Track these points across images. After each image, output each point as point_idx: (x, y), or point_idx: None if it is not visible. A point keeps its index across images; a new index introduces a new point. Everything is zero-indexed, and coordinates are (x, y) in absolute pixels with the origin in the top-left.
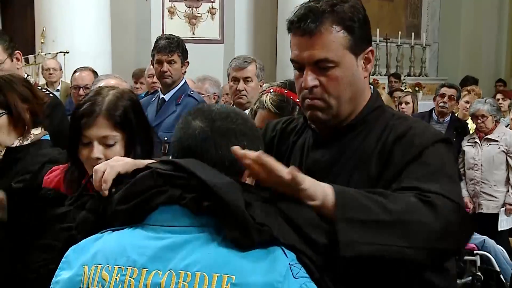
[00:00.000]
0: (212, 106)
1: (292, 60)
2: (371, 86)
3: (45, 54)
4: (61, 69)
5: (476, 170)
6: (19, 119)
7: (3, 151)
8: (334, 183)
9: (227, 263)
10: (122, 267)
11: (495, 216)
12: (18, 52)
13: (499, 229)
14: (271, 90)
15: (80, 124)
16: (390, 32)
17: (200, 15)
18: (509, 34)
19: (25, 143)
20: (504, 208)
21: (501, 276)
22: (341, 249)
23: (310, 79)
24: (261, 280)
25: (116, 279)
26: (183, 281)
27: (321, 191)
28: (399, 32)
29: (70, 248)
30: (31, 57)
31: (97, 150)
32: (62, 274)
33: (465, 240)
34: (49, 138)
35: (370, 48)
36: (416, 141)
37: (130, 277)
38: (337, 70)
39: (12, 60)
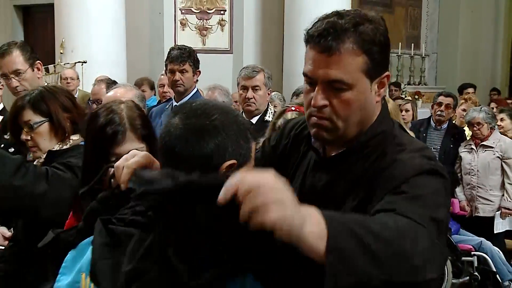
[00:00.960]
0: (193, 102)
1: (304, 74)
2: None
3: (64, 64)
4: (78, 78)
5: (473, 175)
6: (59, 126)
7: (44, 155)
8: (326, 209)
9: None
10: None
11: (491, 219)
12: (38, 62)
13: (495, 232)
14: (293, 108)
15: (107, 145)
16: (391, 43)
17: (211, 26)
18: (504, 45)
19: (64, 147)
20: (499, 211)
21: (497, 276)
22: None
23: (321, 98)
24: None
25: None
26: None
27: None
28: (400, 43)
29: (69, 252)
30: (51, 66)
31: None
32: (62, 280)
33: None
34: None
35: (387, 73)
36: (396, 173)
37: None
38: (350, 93)
39: (33, 70)
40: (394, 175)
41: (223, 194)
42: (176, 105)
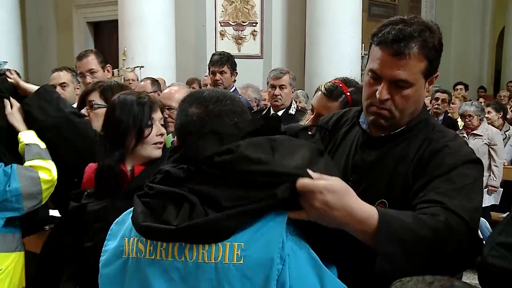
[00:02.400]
0: (202, 91)
1: (371, 70)
2: None
3: (126, 68)
4: (137, 80)
5: None
6: None
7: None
8: (374, 182)
9: (239, 234)
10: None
11: None
12: (108, 66)
13: (483, 206)
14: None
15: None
16: None
17: (245, 36)
18: (490, 50)
19: None
20: (486, 188)
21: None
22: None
23: (385, 93)
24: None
25: (150, 249)
26: (202, 249)
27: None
28: None
29: (114, 222)
30: (115, 70)
31: None
32: (109, 244)
33: (470, 254)
34: None
35: (437, 73)
36: (447, 160)
37: (160, 247)
38: (410, 90)
39: (104, 71)
40: (445, 161)
41: (302, 184)
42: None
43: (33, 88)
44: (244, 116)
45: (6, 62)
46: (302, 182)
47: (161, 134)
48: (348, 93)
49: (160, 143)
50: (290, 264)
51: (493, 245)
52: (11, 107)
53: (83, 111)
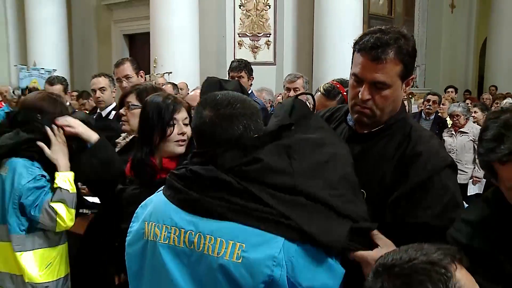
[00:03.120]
0: (216, 95)
1: (354, 74)
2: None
3: (156, 74)
4: (166, 84)
5: (453, 153)
6: None
7: (131, 137)
8: (356, 173)
9: (241, 235)
10: (168, 226)
11: (465, 185)
12: (141, 72)
13: (468, 194)
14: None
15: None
16: None
17: (260, 46)
18: (474, 59)
19: None
20: (471, 179)
21: None
22: None
23: (366, 93)
24: (264, 247)
25: (164, 234)
26: (208, 243)
27: None
28: None
29: (139, 206)
30: (147, 76)
31: None
32: (133, 226)
33: None
34: None
35: (413, 76)
36: (428, 166)
37: (173, 234)
38: (388, 91)
39: (137, 77)
40: (426, 167)
41: (360, 256)
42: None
43: (93, 138)
44: (253, 118)
45: (55, 70)
46: (360, 254)
47: (183, 133)
48: (345, 93)
49: (182, 141)
50: (287, 269)
51: (458, 220)
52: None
53: (122, 111)
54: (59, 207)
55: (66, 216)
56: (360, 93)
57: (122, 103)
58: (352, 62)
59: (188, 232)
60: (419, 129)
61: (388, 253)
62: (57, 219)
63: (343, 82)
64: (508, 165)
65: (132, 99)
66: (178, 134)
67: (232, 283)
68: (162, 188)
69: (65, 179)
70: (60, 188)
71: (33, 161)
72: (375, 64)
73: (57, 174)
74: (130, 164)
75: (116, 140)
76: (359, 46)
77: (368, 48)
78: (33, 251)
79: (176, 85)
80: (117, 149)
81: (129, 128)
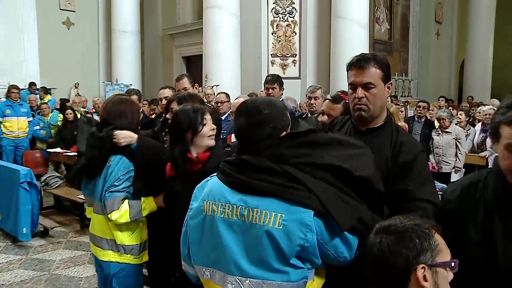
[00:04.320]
0: (248, 103)
1: (349, 83)
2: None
3: (207, 86)
4: (214, 94)
5: (439, 149)
6: None
7: None
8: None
9: (281, 208)
10: (223, 203)
11: (449, 174)
12: (196, 84)
13: (451, 181)
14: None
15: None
16: (392, 73)
17: (288, 64)
18: (455, 74)
19: None
20: (454, 169)
21: None
22: None
23: (361, 92)
24: (299, 216)
25: (220, 210)
26: (256, 214)
27: None
28: (396, 73)
29: (196, 188)
30: (200, 88)
31: None
32: (193, 204)
33: None
34: None
35: (391, 81)
36: (413, 150)
37: (228, 210)
38: (375, 90)
39: (193, 88)
40: (411, 150)
41: None
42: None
43: (134, 139)
44: (280, 117)
45: (131, 84)
46: None
47: (213, 129)
48: (347, 100)
49: (213, 135)
50: (316, 234)
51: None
52: None
53: (168, 115)
54: (124, 207)
55: (121, 217)
56: (356, 94)
57: (167, 109)
58: (347, 79)
59: (239, 207)
60: (400, 127)
61: (386, 220)
62: (114, 213)
63: (344, 92)
64: (510, 126)
65: (175, 106)
66: (210, 130)
67: (275, 245)
68: (215, 173)
69: (146, 206)
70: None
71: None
72: (361, 71)
73: (146, 200)
74: (170, 164)
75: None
76: (349, 65)
77: (355, 62)
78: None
79: (227, 94)
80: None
81: None
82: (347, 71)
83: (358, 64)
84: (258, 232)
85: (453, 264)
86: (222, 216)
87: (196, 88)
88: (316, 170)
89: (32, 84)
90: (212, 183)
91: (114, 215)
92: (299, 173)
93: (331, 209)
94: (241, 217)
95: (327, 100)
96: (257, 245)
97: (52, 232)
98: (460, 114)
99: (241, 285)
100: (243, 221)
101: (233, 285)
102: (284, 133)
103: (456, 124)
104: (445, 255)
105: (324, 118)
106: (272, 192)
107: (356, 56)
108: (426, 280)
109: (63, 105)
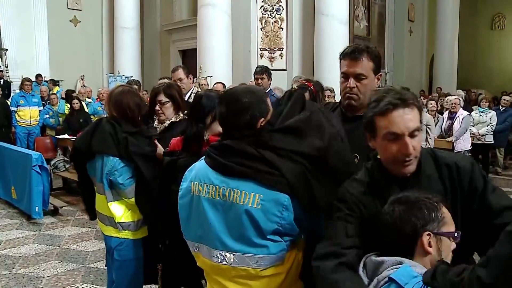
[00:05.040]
0: (229, 92)
1: (342, 72)
2: None
3: (201, 78)
4: (207, 84)
5: None
6: (178, 106)
7: (167, 122)
8: (355, 139)
9: (259, 189)
10: (207, 184)
11: None
12: (191, 75)
13: None
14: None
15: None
16: None
17: (275, 57)
18: (426, 68)
19: (178, 119)
20: None
21: None
22: None
23: (352, 83)
24: (276, 197)
25: (205, 190)
26: (236, 195)
27: None
28: None
29: (187, 170)
30: (195, 79)
31: None
32: (183, 185)
33: None
34: None
35: (380, 73)
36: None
37: (211, 190)
38: (366, 80)
39: (188, 79)
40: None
41: None
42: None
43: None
44: (259, 105)
45: (132, 76)
46: None
47: None
48: (312, 87)
49: None
50: (294, 212)
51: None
52: None
53: (156, 108)
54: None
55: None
56: (348, 84)
57: (153, 100)
58: (340, 67)
59: (221, 187)
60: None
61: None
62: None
63: (309, 80)
64: (384, 116)
65: (162, 97)
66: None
67: (254, 223)
68: (203, 157)
69: None
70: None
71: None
72: (355, 62)
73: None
74: (181, 139)
75: (155, 125)
76: (343, 55)
77: (349, 53)
78: (114, 202)
79: (224, 84)
80: (158, 131)
81: (165, 117)
82: (340, 60)
83: (352, 55)
84: (238, 211)
85: (456, 234)
86: (207, 196)
87: (190, 79)
88: (294, 155)
89: (38, 75)
90: (199, 166)
91: (132, 200)
92: (276, 158)
93: (302, 193)
94: (223, 197)
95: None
96: (237, 222)
97: (61, 210)
98: (431, 103)
99: (225, 258)
100: (225, 200)
101: (218, 258)
102: (263, 119)
103: (427, 112)
104: (449, 226)
105: None
106: (250, 176)
107: (350, 46)
108: (430, 246)
109: (69, 95)
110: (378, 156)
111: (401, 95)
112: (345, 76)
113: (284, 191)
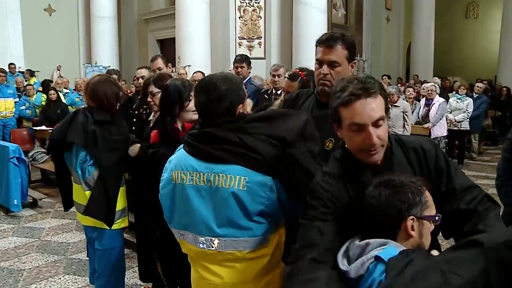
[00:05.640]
0: (206, 80)
1: (317, 59)
2: None
3: (179, 67)
4: (186, 74)
5: (389, 121)
6: None
7: (158, 113)
8: (322, 128)
9: (244, 172)
10: (190, 171)
11: None
12: (169, 64)
13: None
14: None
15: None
16: None
17: (254, 45)
18: (403, 56)
19: None
20: None
21: None
22: None
23: (326, 69)
24: (261, 178)
25: (188, 178)
26: (221, 179)
27: None
28: None
29: (167, 161)
30: (173, 68)
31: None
32: (164, 175)
33: None
34: None
35: (354, 61)
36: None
37: (195, 177)
38: (339, 68)
39: (166, 68)
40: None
41: None
42: (246, 88)
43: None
44: (237, 92)
45: (110, 66)
46: None
47: None
48: (303, 77)
49: None
50: (277, 193)
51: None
52: None
53: (148, 99)
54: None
55: None
56: (322, 70)
57: (145, 92)
58: (315, 54)
59: (206, 173)
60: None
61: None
62: None
63: (301, 69)
64: (348, 106)
65: (153, 88)
66: (194, 105)
67: (240, 205)
68: (181, 146)
69: None
70: None
71: None
72: (329, 49)
73: None
74: (157, 132)
75: (149, 118)
76: (319, 41)
77: (324, 40)
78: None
79: (203, 73)
80: (151, 124)
81: (157, 108)
82: (316, 46)
83: (327, 42)
84: (224, 194)
85: (437, 218)
86: (191, 183)
87: (169, 68)
88: (272, 139)
89: (10, 64)
90: (179, 155)
91: None
92: (257, 142)
93: (283, 175)
94: (207, 182)
95: (286, 78)
96: (224, 206)
97: (40, 203)
98: (409, 90)
99: (212, 243)
100: (210, 186)
101: (205, 244)
102: (241, 105)
103: (404, 99)
104: (431, 210)
105: (284, 96)
106: (234, 160)
107: (326, 34)
108: (413, 230)
109: (47, 86)
110: (346, 146)
111: (363, 84)
112: (319, 63)
113: (267, 173)
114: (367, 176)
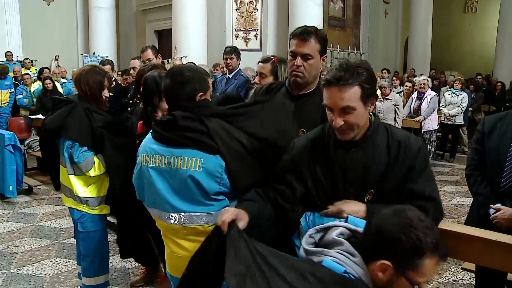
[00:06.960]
0: (176, 67)
1: (291, 51)
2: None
3: (176, 58)
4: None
5: (381, 114)
6: None
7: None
8: (300, 116)
9: (200, 155)
10: (153, 154)
11: None
12: (160, 55)
13: None
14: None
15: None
16: (344, 47)
17: (250, 37)
18: (400, 50)
19: None
20: None
21: None
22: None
23: (299, 61)
24: (215, 160)
25: (151, 160)
26: (180, 161)
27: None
28: (348, 47)
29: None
30: (169, 59)
31: None
32: (138, 159)
33: None
34: None
35: (326, 55)
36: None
37: (157, 159)
38: (312, 61)
39: (157, 59)
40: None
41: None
42: (228, 76)
43: None
44: (201, 82)
45: (107, 56)
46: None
47: None
48: (275, 60)
49: None
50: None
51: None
52: None
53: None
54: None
55: (98, 171)
56: (295, 62)
57: (139, 83)
58: (289, 46)
59: (166, 156)
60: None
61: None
62: (90, 172)
63: (275, 56)
64: (325, 88)
65: None
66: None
67: (198, 186)
68: (150, 131)
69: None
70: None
71: None
72: (303, 42)
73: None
74: (141, 123)
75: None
76: (293, 34)
77: (298, 33)
78: (74, 176)
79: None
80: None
81: None
82: (290, 39)
83: (301, 35)
84: (183, 176)
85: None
86: (154, 165)
87: (159, 59)
88: (233, 130)
89: (7, 52)
90: (146, 140)
91: (91, 173)
92: (215, 130)
93: (231, 160)
94: (168, 164)
95: (260, 63)
96: (184, 186)
97: (35, 189)
98: (407, 84)
99: (176, 219)
100: (170, 168)
101: (171, 220)
102: (202, 93)
103: (397, 93)
104: (420, 277)
105: (257, 79)
106: (190, 145)
107: (300, 27)
108: (382, 272)
109: (41, 74)
110: None
111: (341, 73)
112: (293, 54)
113: (221, 156)
114: (339, 153)
